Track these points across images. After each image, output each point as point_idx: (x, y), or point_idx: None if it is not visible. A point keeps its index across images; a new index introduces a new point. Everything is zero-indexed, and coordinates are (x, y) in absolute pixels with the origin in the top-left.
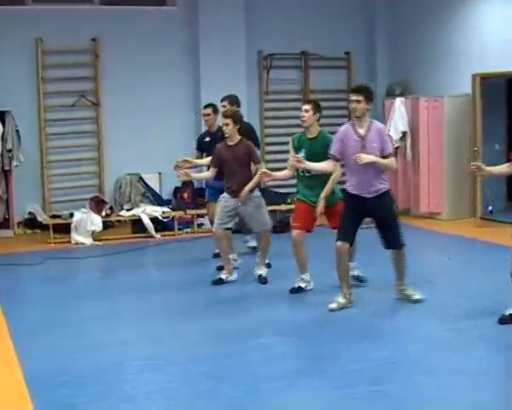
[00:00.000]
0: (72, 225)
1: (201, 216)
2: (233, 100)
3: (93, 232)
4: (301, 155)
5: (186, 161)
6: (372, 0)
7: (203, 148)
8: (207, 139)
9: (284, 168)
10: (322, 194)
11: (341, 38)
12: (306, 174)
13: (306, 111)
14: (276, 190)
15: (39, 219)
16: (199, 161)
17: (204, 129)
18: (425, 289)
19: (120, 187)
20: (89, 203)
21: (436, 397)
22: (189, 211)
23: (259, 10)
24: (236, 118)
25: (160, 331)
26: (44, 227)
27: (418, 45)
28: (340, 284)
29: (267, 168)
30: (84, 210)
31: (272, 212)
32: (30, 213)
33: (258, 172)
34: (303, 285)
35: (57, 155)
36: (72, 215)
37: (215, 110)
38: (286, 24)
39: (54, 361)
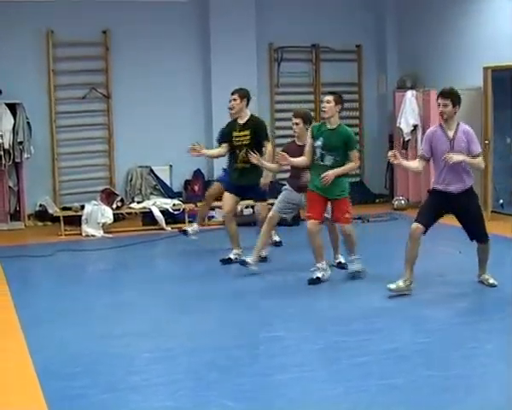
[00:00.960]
0: (83, 218)
1: (212, 209)
2: (243, 94)
3: (104, 224)
4: (318, 143)
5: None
6: None
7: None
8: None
9: None
10: (333, 171)
11: (352, 31)
12: (321, 163)
13: (328, 102)
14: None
15: (50, 211)
16: (209, 152)
17: (223, 120)
18: (436, 283)
19: (131, 179)
20: (99, 195)
21: (443, 390)
22: (199, 203)
23: (270, 2)
24: (306, 118)
25: (170, 323)
26: (55, 219)
27: (429, 38)
28: (406, 269)
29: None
30: (95, 202)
31: None
32: (41, 205)
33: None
34: (320, 275)
35: (68, 148)
36: (82, 207)
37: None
38: (297, 16)
39: (64, 352)
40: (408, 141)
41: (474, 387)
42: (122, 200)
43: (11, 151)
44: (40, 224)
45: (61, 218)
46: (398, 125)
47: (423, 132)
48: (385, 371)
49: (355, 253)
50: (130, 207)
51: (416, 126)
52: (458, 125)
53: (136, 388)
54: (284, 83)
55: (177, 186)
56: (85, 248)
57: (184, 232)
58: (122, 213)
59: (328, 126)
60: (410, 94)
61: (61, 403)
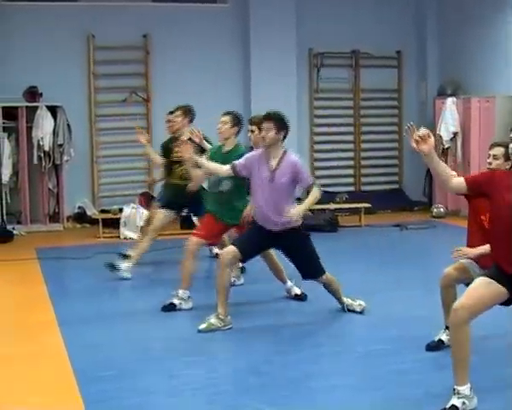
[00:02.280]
0: (122, 220)
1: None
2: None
3: (142, 228)
4: None
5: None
6: None
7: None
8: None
9: (331, 167)
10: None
11: (392, 37)
12: (218, 189)
13: (224, 123)
14: (323, 188)
15: (89, 213)
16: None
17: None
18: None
19: None
20: (138, 199)
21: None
22: None
23: (310, 8)
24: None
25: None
26: (94, 222)
27: (470, 44)
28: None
29: (317, 167)
30: (134, 205)
31: (321, 211)
32: (79, 207)
33: None
34: (177, 302)
35: (108, 151)
36: (121, 210)
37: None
38: (337, 22)
39: (101, 354)
40: (448, 148)
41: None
42: None
43: (51, 153)
44: (78, 226)
45: (100, 220)
46: (437, 132)
47: (463, 140)
48: (424, 378)
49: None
50: None
51: (455, 134)
52: (285, 153)
53: (173, 392)
54: (324, 89)
55: None
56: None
57: None
58: None
59: (224, 149)
60: (450, 101)
61: (97, 405)
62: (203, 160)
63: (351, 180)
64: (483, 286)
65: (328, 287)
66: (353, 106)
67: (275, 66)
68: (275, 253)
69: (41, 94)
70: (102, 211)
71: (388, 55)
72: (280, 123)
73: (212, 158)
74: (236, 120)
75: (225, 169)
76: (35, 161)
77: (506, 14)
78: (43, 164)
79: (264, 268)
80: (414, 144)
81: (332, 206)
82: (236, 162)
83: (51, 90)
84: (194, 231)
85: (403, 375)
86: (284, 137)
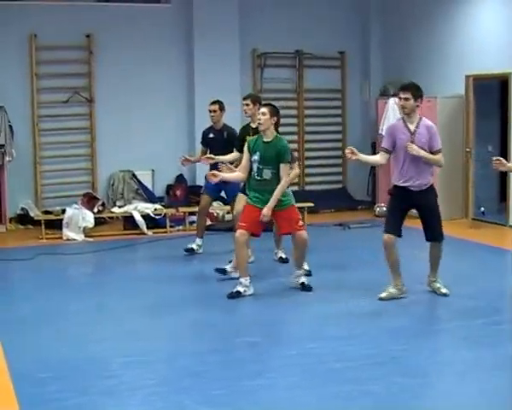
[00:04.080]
0: (64, 221)
1: (193, 214)
2: (256, 99)
3: (85, 228)
4: (255, 158)
5: (187, 160)
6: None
7: (207, 142)
8: (211, 135)
9: None
10: (269, 203)
11: (336, 38)
12: (258, 178)
13: (263, 114)
14: None
15: (31, 214)
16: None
17: (206, 125)
18: (416, 290)
19: (113, 184)
20: (81, 199)
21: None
22: (181, 209)
23: (254, 8)
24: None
25: (146, 327)
26: (36, 223)
27: (412, 45)
28: (391, 275)
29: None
30: (76, 206)
31: None
32: (22, 208)
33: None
34: (241, 290)
35: (50, 151)
36: (64, 211)
37: (221, 107)
38: (280, 23)
39: (39, 356)
40: None
41: (448, 393)
42: (103, 204)
43: None
44: (21, 227)
45: (43, 221)
46: (380, 132)
47: None
48: (360, 377)
49: (303, 265)
50: (112, 212)
51: None
52: (421, 119)
53: (110, 392)
54: (267, 89)
55: (159, 191)
56: (66, 252)
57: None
58: (103, 218)
59: (264, 139)
60: (392, 101)
61: (34, 408)
62: (361, 155)
63: (295, 180)
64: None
65: (434, 254)
66: (297, 106)
67: (218, 66)
68: None
69: None
70: (45, 212)
71: (332, 55)
72: (416, 92)
73: (253, 149)
74: (274, 111)
75: (380, 158)
76: None
77: (448, 16)
78: None
79: None
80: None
81: None
82: (385, 146)
83: None
84: (239, 224)
85: (339, 373)
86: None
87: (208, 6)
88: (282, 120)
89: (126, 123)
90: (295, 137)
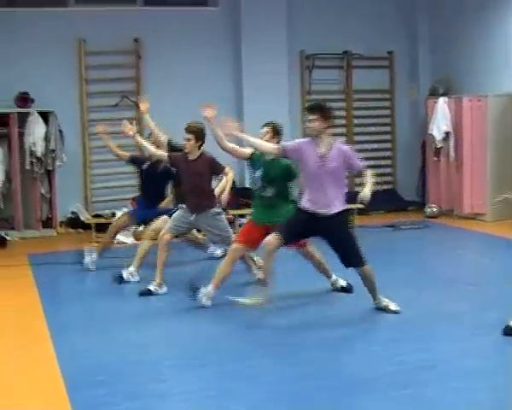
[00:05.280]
0: None
1: (243, 216)
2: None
3: (134, 232)
4: (258, 174)
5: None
6: None
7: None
8: (145, 166)
9: None
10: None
11: (384, 37)
12: (262, 194)
13: (266, 133)
14: None
15: (82, 218)
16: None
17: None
18: (466, 293)
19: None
20: (130, 203)
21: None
22: (230, 211)
23: (301, 10)
24: (199, 134)
25: (197, 331)
26: (87, 226)
27: (461, 44)
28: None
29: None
30: (126, 209)
31: None
32: (72, 212)
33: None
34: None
35: (100, 155)
36: (113, 215)
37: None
38: (328, 24)
39: (91, 361)
40: (440, 148)
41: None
42: None
43: (43, 159)
44: (72, 231)
45: (93, 225)
46: (429, 132)
47: (456, 139)
48: (408, 381)
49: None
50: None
51: (448, 133)
52: (332, 142)
53: (162, 396)
54: (316, 90)
55: None
56: (116, 255)
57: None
58: (153, 220)
59: (266, 158)
60: (442, 101)
61: None
62: (244, 135)
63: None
64: None
65: (367, 280)
66: (346, 107)
67: (266, 68)
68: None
69: (32, 100)
70: (95, 216)
71: (380, 55)
72: (323, 113)
73: (255, 162)
74: (276, 131)
75: (271, 148)
76: (27, 166)
77: (500, 13)
78: (36, 170)
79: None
80: None
81: None
82: (287, 143)
83: (43, 96)
84: (236, 238)
85: (391, 376)
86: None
87: (256, 8)
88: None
89: (174, 126)
90: (344, 139)
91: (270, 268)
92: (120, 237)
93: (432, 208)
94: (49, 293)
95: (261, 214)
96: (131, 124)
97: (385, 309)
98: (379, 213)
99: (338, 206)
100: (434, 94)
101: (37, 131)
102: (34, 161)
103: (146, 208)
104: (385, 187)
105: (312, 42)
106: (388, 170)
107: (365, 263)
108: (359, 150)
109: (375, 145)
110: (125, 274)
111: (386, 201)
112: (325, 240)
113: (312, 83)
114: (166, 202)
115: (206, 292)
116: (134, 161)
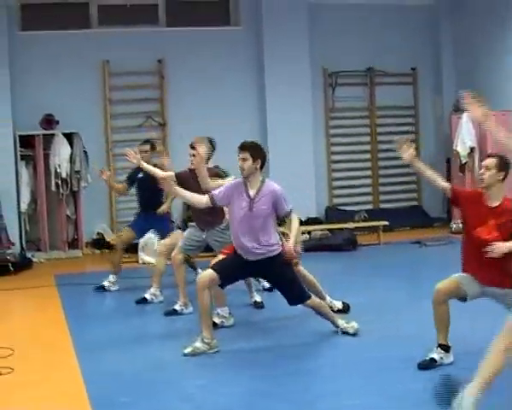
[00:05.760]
0: (140, 245)
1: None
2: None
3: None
4: None
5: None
6: (438, 14)
7: (132, 181)
8: (140, 175)
9: (350, 185)
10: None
11: (407, 54)
12: None
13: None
14: (342, 207)
15: (107, 239)
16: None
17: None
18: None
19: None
20: None
21: None
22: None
23: (324, 28)
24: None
25: (223, 351)
26: (112, 247)
27: (485, 59)
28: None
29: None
30: (152, 230)
31: (339, 230)
32: (98, 233)
33: None
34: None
35: (124, 176)
36: None
37: (153, 147)
38: (350, 40)
39: (118, 381)
40: (465, 164)
41: None
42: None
43: (68, 180)
44: (97, 252)
45: None
46: (454, 147)
47: (481, 155)
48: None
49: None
50: None
51: (472, 149)
52: (263, 183)
53: None
54: (339, 107)
55: None
56: (142, 276)
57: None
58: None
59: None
60: (466, 116)
61: None
62: (178, 188)
63: (369, 198)
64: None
65: (317, 311)
66: (370, 124)
67: (289, 86)
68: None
69: (57, 121)
70: None
71: (403, 72)
72: (255, 152)
73: None
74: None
75: (204, 200)
76: (53, 188)
77: None
78: (61, 191)
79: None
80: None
81: (351, 224)
82: (215, 192)
83: (67, 118)
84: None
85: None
86: (262, 166)
87: (278, 27)
88: (355, 139)
89: None
90: (368, 156)
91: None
92: (146, 258)
93: (458, 224)
94: (74, 313)
95: None
96: (135, 152)
97: (344, 331)
98: (404, 229)
99: (268, 249)
100: (458, 110)
101: (62, 152)
102: (59, 182)
103: (144, 220)
104: (410, 203)
105: (335, 59)
106: (414, 186)
107: (309, 297)
108: (384, 167)
109: (400, 162)
110: (148, 295)
111: (411, 217)
112: (267, 281)
113: (336, 100)
114: (164, 208)
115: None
116: (130, 180)
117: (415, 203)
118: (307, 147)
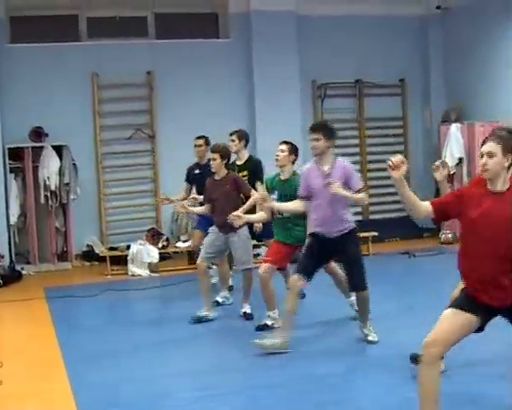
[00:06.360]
0: (129, 257)
1: (258, 246)
2: (242, 135)
3: (150, 264)
4: (273, 196)
5: (167, 199)
6: (426, 25)
7: (191, 180)
8: (197, 171)
9: None
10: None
11: (395, 65)
12: (279, 216)
13: (282, 151)
14: None
15: (97, 251)
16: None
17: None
18: None
19: (177, 219)
20: (145, 235)
21: None
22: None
23: (312, 40)
24: (224, 153)
25: (212, 362)
26: (102, 259)
27: (473, 70)
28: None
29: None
30: (141, 242)
31: None
32: (88, 245)
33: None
34: (269, 322)
35: (114, 188)
36: (128, 247)
37: (207, 142)
38: (339, 52)
39: (106, 391)
40: (453, 174)
41: None
42: (168, 239)
43: (58, 192)
44: (87, 264)
45: (108, 258)
46: (443, 158)
47: (469, 165)
48: None
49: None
50: (176, 247)
51: (461, 160)
52: (335, 160)
53: None
54: (328, 119)
55: None
56: (131, 288)
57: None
58: (168, 253)
59: (281, 177)
60: (454, 127)
61: None
62: (276, 204)
63: (358, 209)
64: (451, 318)
65: (364, 305)
66: (359, 135)
67: (279, 98)
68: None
69: (46, 134)
70: (110, 248)
71: (392, 83)
72: (327, 132)
73: (270, 187)
74: (293, 149)
75: (298, 205)
76: (42, 200)
77: (509, 41)
78: (50, 203)
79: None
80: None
81: None
82: (301, 190)
83: (56, 130)
84: (264, 258)
85: None
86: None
87: (267, 39)
88: (345, 150)
89: (189, 158)
90: (358, 167)
91: (294, 309)
92: (135, 270)
93: (447, 234)
94: (64, 325)
95: (282, 235)
96: (182, 206)
97: (364, 337)
98: (394, 239)
99: (345, 225)
100: (447, 120)
101: (51, 164)
102: (49, 194)
103: (205, 216)
104: (400, 214)
105: (324, 71)
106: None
107: (367, 288)
108: (373, 178)
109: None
110: (219, 298)
111: (400, 228)
112: (339, 261)
113: (324, 112)
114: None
115: (272, 318)
116: (189, 179)
117: (404, 214)
118: (297, 159)
